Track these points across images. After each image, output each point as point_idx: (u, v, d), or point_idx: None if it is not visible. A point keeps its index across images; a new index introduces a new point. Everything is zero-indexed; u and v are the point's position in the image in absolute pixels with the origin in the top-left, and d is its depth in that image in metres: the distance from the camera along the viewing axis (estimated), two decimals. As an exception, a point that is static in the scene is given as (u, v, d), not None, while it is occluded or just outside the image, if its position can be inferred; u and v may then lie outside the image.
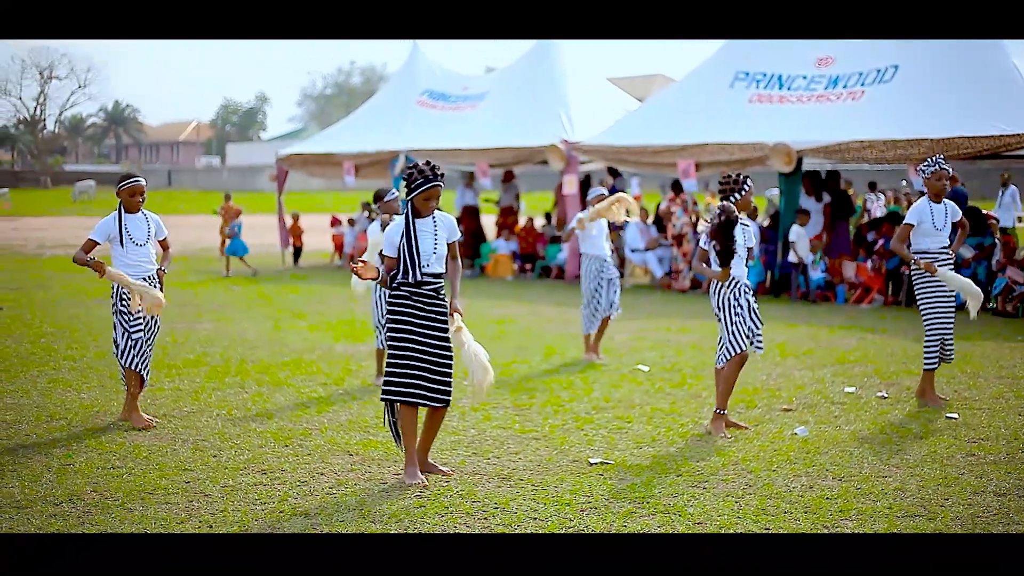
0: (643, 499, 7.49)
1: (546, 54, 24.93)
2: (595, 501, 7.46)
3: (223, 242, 27.68)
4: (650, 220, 23.25)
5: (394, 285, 7.92)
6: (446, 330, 8.00)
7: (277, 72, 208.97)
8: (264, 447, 8.89)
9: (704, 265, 9.68)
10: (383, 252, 7.90)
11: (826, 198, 20.96)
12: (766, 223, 22.93)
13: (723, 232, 9.43)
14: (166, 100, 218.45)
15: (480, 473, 8.15)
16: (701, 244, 9.67)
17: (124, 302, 9.61)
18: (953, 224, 10.63)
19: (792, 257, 19.58)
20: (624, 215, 12.80)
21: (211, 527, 6.92)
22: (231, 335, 14.88)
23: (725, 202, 9.66)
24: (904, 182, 23.45)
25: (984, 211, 20.26)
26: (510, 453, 8.74)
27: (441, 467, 8.19)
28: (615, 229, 23.31)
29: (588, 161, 23.35)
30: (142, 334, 9.64)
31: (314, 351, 13.61)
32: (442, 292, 7.99)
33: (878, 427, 9.63)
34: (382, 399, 7.98)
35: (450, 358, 8.00)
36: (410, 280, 7.84)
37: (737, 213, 9.55)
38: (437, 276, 7.93)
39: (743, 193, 9.62)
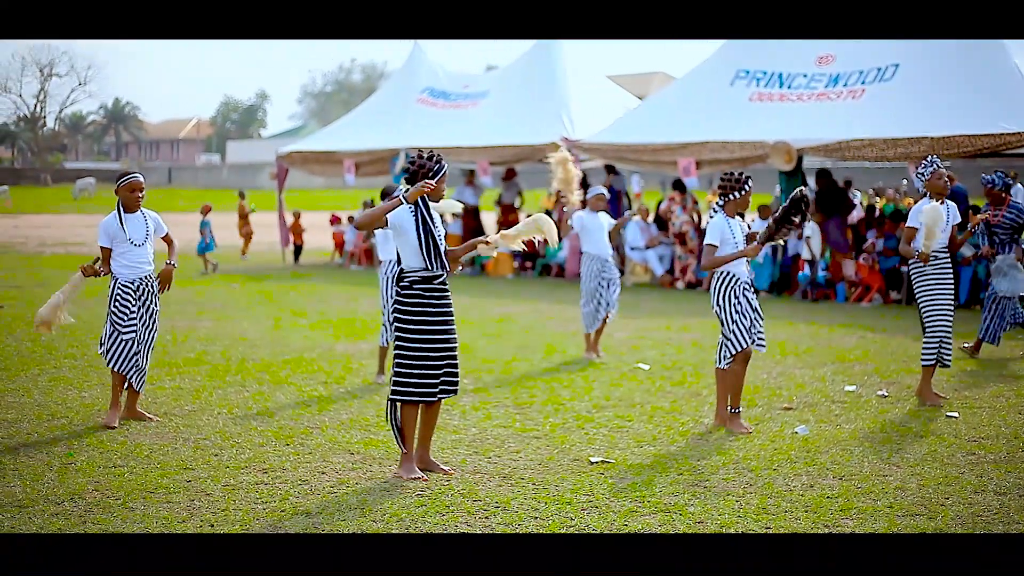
0: (644, 498, 7.50)
1: (547, 52, 24.93)
2: (596, 500, 7.47)
3: (246, 241, 27.93)
4: (651, 219, 23.25)
5: (405, 280, 7.91)
6: (453, 320, 8.05)
7: (277, 69, 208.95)
8: (265, 446, 8.90)
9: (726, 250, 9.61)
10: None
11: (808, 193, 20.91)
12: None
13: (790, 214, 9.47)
14: (166, 97, 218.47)
15: (481, 472, 8.16)
16: (708, 241, 9.64)
17: (119, 302, 9.60)
18: (954, 225, 10.64)
19: (805, 253, 19.55)
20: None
21: (213, 526, 6.93)
22: (232, 333, 14.89)
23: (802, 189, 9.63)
24: (905, 180, 23.43)
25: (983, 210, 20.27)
26: (511, 452, 8.75)
27: (442, 466, 8.20)
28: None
29: (587, 159, 23.32)
30: (133, 335, 9.61)
31: (315, 350, 13.62)
32: (448, 283, 8.03)
33: (878, 426, 9.64)
34: (393, 399, 7.97)
35: (456, 347, 8.11)
36: (429, 272, 7.85)
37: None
38: (444, 267, 7.98)
39: (743, 192, 9.62)
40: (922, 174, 10.55)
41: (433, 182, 7.80)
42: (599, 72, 27.69)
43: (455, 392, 8.15)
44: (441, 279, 7.96)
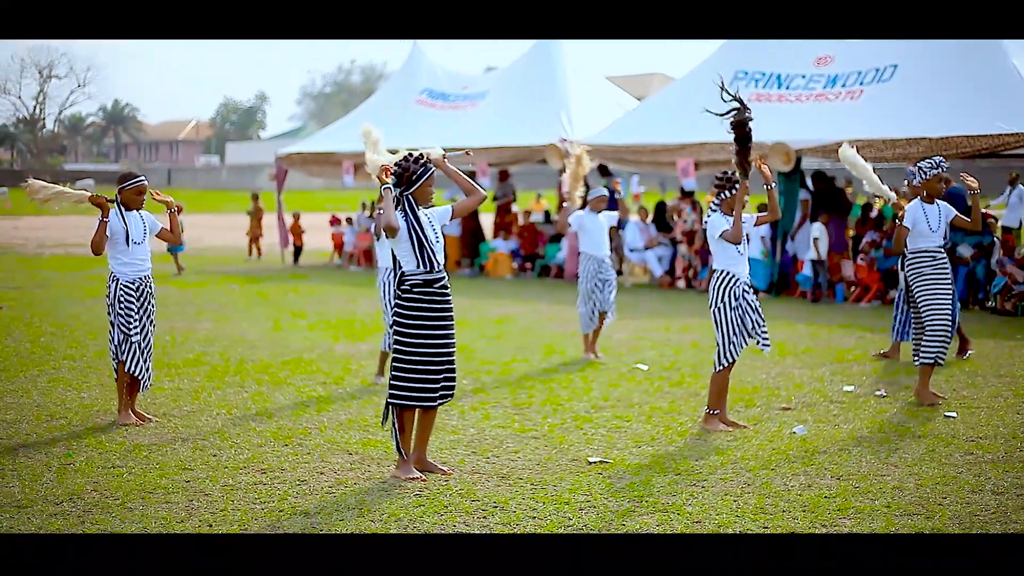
0: (641, 498, 7.51)
1: (546, 53, 24.92)
2: (594, 500, 7.48)
3: (256, 240, 27.91)
4: (649, 219, 23.26)
5: (406, 284, 7.92)
6: (452, 324, 8.04)
7: (277, 71, 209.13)
8: (264, 446, 8.91)
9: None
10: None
11: (803, 194, 20.91)
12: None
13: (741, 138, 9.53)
14: (165, 99, 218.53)
15: (479, 472, 8.17)
16: (711, 235, 9.66)
17: (123, 304, 9.60)
18: (950, 224, 10.66)
19: (813, 254, 19.54)
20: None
21: (211, 526, 6.95)
22: (231, 335, 14.89)
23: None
24: (907, 182, 23.43)
25: (983, 210, 20.29)
26: (509, 452, 8.76)
27: (440, 466, 8.21)
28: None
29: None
30: (140, 335, 9.64)
31: (314, 350, 13.62)
32: (448, 286, 8.03)
33: (876, 426, 9.66)
34: (391, 403, 7.98)
35: (455, 351, 8.11)
36: (424, 274, 7.86)
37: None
38: (442, 267, 7.98)
39: (736, 191, 9.64)
40: (924, 172, 10.55)
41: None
42: (598, 73, 27.69)
43: (452, 397, 8.18)
44: (441, 283, 7.96)
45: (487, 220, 28.32)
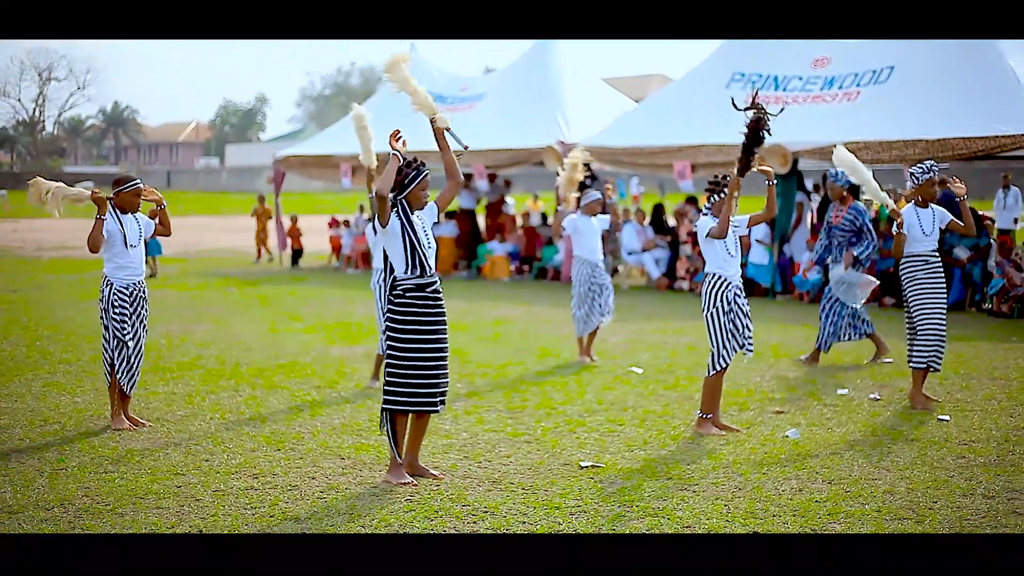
0: (632, 502, 7.51)
1: (544, 55, 24.92)
2: (584, 505, 7.47)
3: (264, 242, 27.91)
4: (647, 222, 23.26)
5: (398, 289, 7.92)
6: (446, 328, 8.02)
7: (276, 73, 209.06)
8: (256, 451, 8.91)
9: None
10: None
11: (799, 196, 20.95)
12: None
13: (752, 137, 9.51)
14: (165, 101, 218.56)
15: (471, 477, 8.16)
16: (701, 234, 9.68)
17: (117, 309, 9.59)
18: (941, 229, 10.65)
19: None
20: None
21: (201, 532, 6.94)
22: (227, 338, 14.89)
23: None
24: (908, 183, 23.43)
25: (980, 212, 20.29)
26: (501, 456, 8.76)
27: (432, 470, 8.20)
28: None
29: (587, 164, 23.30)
30: (132, 341, 9.64)
31: (309, 354, 13.62)
32: (440, 290, 8.02)
33: (869, 429, 9.65)
34: (386, 408, 7.98)
35: (448, 355, 8.07)
36: (416, 278, 7.85)
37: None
38: (434, 272, 7.98)
39: (725, 194, 9.65)
40: (916, 177, 10.57)
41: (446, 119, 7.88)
42: (596, 75, 27.68)
43: (443, 406, 8.12)
44: (433, 287, 7.95)
45: (484, 222, 28.30)
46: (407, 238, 7.82)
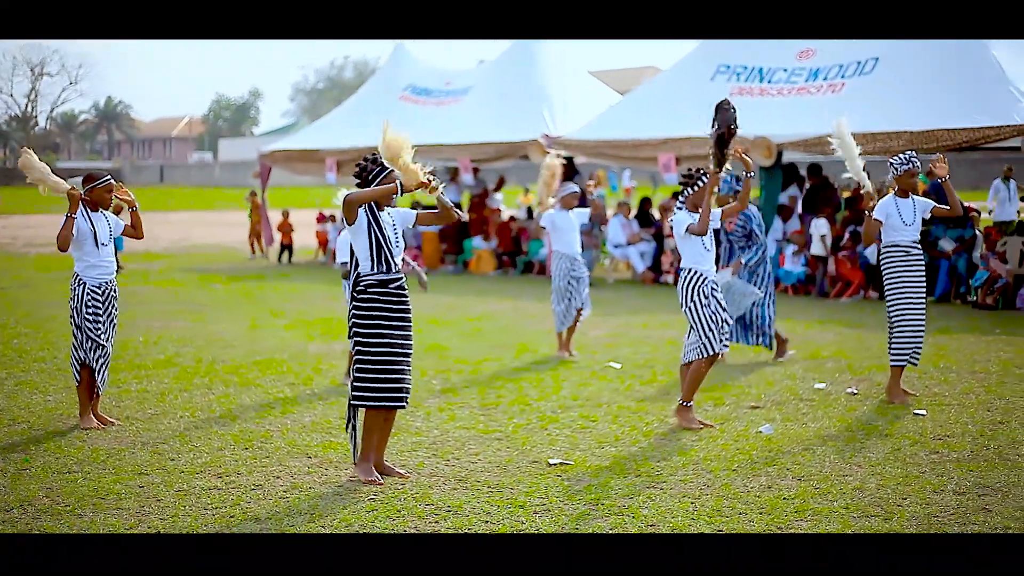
0: (598, 500, 7.42)
1: (530, 49, 24.79)
2: (549, 503, 7.39)
3: (256, 237, 27.75)
4: (632, 215, 23.16)
5: (361, 285, 7.84)
6: (410, 325, 7.93)
7: (270, 67, 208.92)
8: (223, 450, 8.81)
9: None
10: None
11: (792, 190, 20.92)
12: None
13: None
14: (159, 96, 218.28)
15: (437, 475, 8.08)
16: (677, 232, 9.60)
17: (90, 309, 9.48)
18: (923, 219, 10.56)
19: (817, 250, 19.43)
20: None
21: (160, 533, 6.86)
22: (206, 334, 14.79)
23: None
24: (888, 174, 23.34)
25: (966, 203, 20.20)
26: (470, 454, 8.67)
27: (398, 469, 8.12)
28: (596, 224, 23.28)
29: (570, 157, 23.21)
30: (105, 340, 9.54)
31: (287, 350, 13.52)
32: (406, 287, 7.93)
33: (844, 424, 9.57)
34: (354, 405, 7.90)
35: (412, 352, 7.98)
36: (380, 275, 7.76)
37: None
38: (400, 270, 7.88)
39: (700, 186, 9.57)
40: (896, 168, 10.49)
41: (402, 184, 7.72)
42: (583, 68, 27.59)
43: (405, 404, 8.01)
44: (397, 283, 7.86)
45: (468, 216, 28.22)
46: (373, 234, 7.74)
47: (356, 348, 7.89)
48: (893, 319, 10.48)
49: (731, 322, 9.63)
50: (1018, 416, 9.75)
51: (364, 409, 7.92)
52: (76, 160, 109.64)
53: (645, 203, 23.87)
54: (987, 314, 16.50)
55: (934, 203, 10.57)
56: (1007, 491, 7.54)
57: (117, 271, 9.82)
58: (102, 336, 9.50)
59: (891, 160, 10.56)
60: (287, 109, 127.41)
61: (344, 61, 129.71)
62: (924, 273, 10.57)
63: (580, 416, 9.97)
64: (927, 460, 8.34)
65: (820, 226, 19.42)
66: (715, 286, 9.61)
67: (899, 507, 7.22)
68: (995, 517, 7.00)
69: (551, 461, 8.40)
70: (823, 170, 21.98)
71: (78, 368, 9.60)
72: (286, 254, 27.58)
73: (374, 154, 7.97)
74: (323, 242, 27.60)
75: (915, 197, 10.51)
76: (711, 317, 9.47)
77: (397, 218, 7.95)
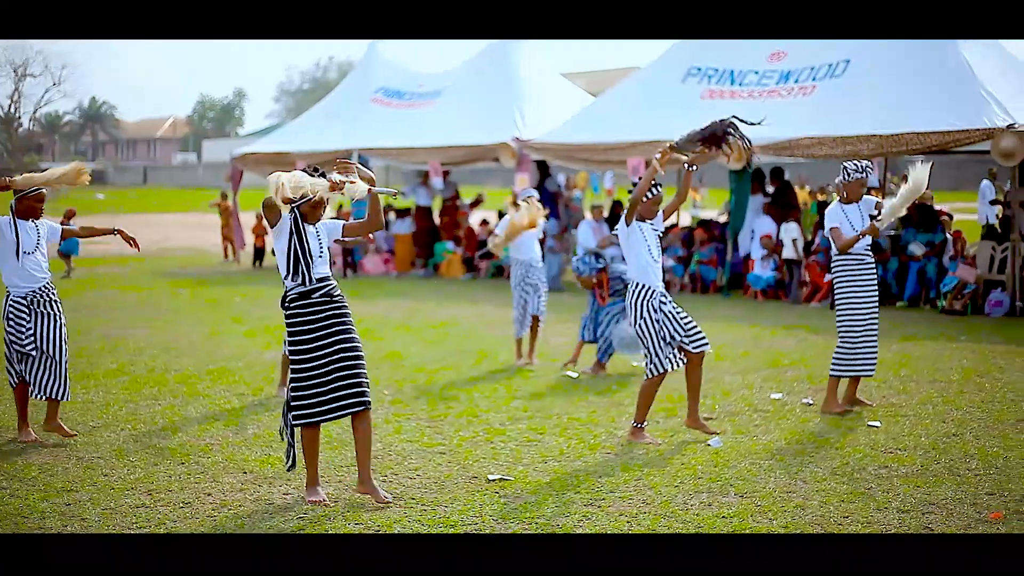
0: (532, 519, 7.23)
1: (502, 50, 24.63)
2: (482, 522, 7.19)
3: (229, 241, 27.46)
4: (603, 217, 22.95)
5: (285, 298, 7.66)
6: (351, 330, 7.71)
7: (255, 68, 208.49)
8: (158, 465, 8.60)
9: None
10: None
11: (768, 190, 20.83)
12: (723, 219, 22.78)
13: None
14: (143, 96, 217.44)
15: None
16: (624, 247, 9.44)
17: (13, 319, 9.26)
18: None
19: (789, 254, 19.27)
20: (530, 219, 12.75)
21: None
22: (162, 343, 14.56)
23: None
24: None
25: (937, 207, 20.07)
26: (410, 469, 8.47)
27: (381, 492, 7.73)
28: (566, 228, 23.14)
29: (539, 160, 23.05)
30: (35, 349, 9.29)
31: (242, 358, 13.31)
32: (336, 292, 7.71)
33: (796, 437, 9.40)
34: (292, 424, 7.70)
35: (360, 358, 7.68)
36: (299, 287, 7.57)
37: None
38: (326, 278, 7.67)
39: (654, 194, 9.39)
40: (848, 173, 10.31)
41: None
42: (556, 70, 27.44)
43: (363, 407, 7.67)
44: (321, 292, 7.64)
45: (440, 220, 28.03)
46: (292, 244, 7.54)
47: (291, 361, 7.71)
48: (840, 330, 10.31)
49: (680, 335, 9.39)
50: (973, 428, 9.59)
51: (303, 428, 7.71)
52: (60, 161, 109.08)
53: (616, 206, 23.71)
54: (955, 320, 16.36)
55: (877, 199, 10.40)
56: (952, 508, 7.37)
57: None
58: (28, 347, 9.26)
59: (845, 164, 10.38)
60: (272, 110, 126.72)
61: (329, 62, 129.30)
62: (876, 281, 10.39)
63: (528, 428, 9.78)
64: (875, 475, 8.17)
65: (791, 230, 19.29)
66: (664, 299, 9.41)
67: (839, 526, 7.04)
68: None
69: (490, 477, 8.21)
70: (785, 174, 21.91)
71: (14, 380, 9.40)
72: (255, 257, 27.36)
73: (315, 168, 7.77)
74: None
75: (860, 202, 10.31)
76: (660, 334, 9.27)
77: (323, 230, 7.75)
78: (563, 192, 25.75)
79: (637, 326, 9.32)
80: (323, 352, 7.60)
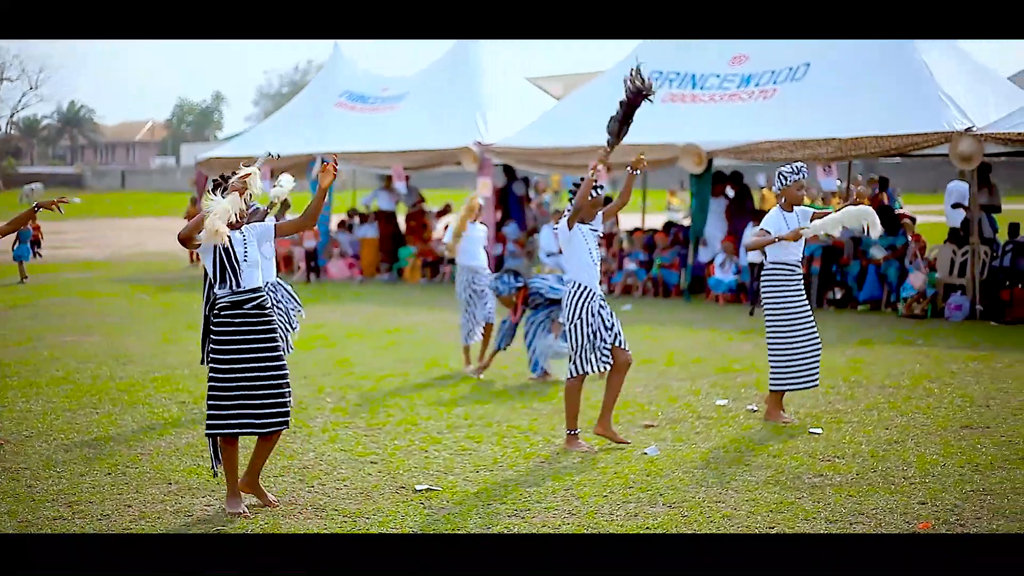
0: (454, 530, 7.12)
1: (466, 53, 24.50)
2: (403, 534, 7.08)
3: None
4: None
5: (216, 306, 7.53)
6: (276, 348, 7.59)
7: (234, 71, 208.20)
8: (85, 476, 8.47)
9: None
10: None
11: (729, 193, 20.78)
12: (686, 222, 22.71)
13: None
14: (122, 100, 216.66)
15: (295, 503, 7.75)
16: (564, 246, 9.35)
17: None
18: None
19: (753, 257, 19.14)
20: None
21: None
22: (112, 350, 14.38)
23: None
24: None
25: (901, 210, 20.02)
26: (337, 479, 8.35)
27: (269, 495, 7.75)
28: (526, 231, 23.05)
29: (498, 164, 22.94)
30: None
31: (190, 366, 13.13)
32: (267, 306, 7.58)
33: (735, 445, 9.29)
34: (206, 434, 7.60)
35: (283, 377, 7.57)
36: (231, 295, 7.44)
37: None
38: (256, 289, 7.53)
39: (594, 195, 9.32)
40: (784, 178, 10.21)
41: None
42: (520, 73, 27.31)
43: (277, 427, 7.60)
44: (253, 303, 7.52)
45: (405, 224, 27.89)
46: (216, 252, 7.41)
47: (209, 372, 7.57)
48: (774, 342, 10.20)
49: (609, 340, 9.30)
50: (914, 435, 9.49)
51: (222, 440, 7.60)
52: (39, 165, 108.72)
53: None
54: (914, 324, 16.27)
55: (813, 210, 10.31)
56: (881, 518, 7.28)
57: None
58: None
59: (780, 169, 10.28)
60: (251, 113, 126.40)
61: (308, 65, 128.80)
62: (804, 294, 10.27)
63: (466, 437, 9.67)
64: (808, 484, 8.07)
65: (751, 234, 19.17)
66: (603, 303, 9.32)
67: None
68: (860, 547, 6.75)
69: (418, 487, 8.09)
70: (743, 177, 21.88)
71: None
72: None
73: (234, 172, 7.67)
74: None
75: (799, 210, 10.20)
76: (590, 336, 9.18)
77: (251, 233, 7.61)
78: (531, 196, 25.68)
79: (571, 324, 9.23)
80: (247, 367, 7.47)
